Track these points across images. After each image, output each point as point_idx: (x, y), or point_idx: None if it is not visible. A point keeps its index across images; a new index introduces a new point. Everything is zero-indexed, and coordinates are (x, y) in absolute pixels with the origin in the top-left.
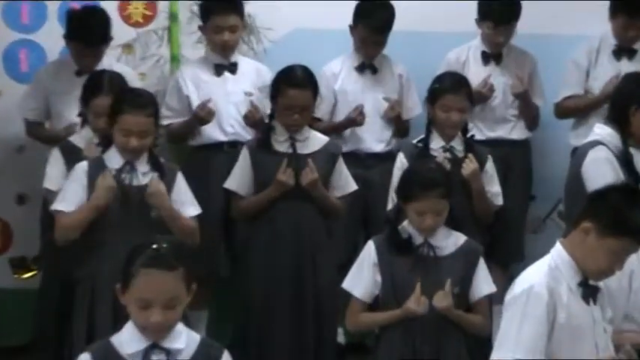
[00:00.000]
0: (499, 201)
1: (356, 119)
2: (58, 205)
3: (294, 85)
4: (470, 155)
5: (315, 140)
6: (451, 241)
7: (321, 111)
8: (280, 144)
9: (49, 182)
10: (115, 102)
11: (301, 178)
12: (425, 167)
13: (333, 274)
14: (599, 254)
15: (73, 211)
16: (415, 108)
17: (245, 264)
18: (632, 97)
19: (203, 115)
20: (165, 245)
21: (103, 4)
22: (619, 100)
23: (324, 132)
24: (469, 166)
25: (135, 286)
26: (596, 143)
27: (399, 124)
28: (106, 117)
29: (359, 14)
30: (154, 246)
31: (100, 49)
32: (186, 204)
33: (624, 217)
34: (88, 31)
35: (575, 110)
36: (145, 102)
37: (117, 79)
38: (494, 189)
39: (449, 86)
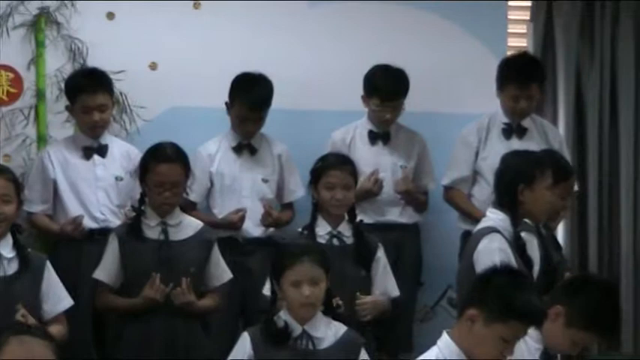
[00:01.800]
0: (395, 292)
1: (236, 222)
2: None
3: (163, 160)
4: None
5: (189, 225)
6: (331, 332)
7: (195, 193)
8: (151, 230)
9: None
10: None
11: (172, 296)
12: None
13: None
14: (487, 342)
15: None
16: (297, 190)
17: None
18: (517, 174)
19: (70, 230)
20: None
21: None
22: (504, 182)
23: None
24: (367, 306)
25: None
26: (490, 230)
27: (409, 200)
28: None
29: (235, 90)
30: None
31: None
32: (57, 297)
33: (509, 300)
34: None
35: (457, 208)
36: (3, 168)
37: None
38: (388, 282)
39: (332, 162)
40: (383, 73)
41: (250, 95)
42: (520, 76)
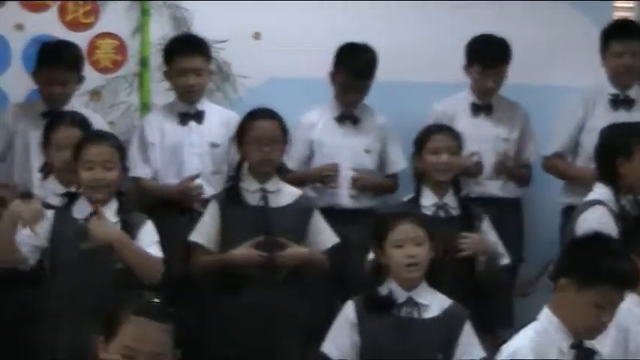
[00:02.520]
0: (505, 260)
1: (325, 177)
2: None
3: (261, 117)
4: (463, 234)
5: (287, 193)
6: (436, 303)
7: (293, 160)
8: (250, 195)
9: None
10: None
11: (277, 259)
12: None
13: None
14: (581, 309)
15: None
16: (400, 162)
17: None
18: (615, 147)
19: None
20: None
21: None
22: (603, 155)
23: (292, 182)
24: (469, 240)
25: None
26: (595, 202)
27: (511, 176)
28: (69, 149)
29: (339, 58)
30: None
31: (69, 81)
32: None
33: (595, 265)
34: (57, 55)
35: (559, 175)
36: (107, 134)
37: (79, 114)
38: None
39: (436, 128)
40: (485, 41)
41: (355, 63)
42: (623, 31)
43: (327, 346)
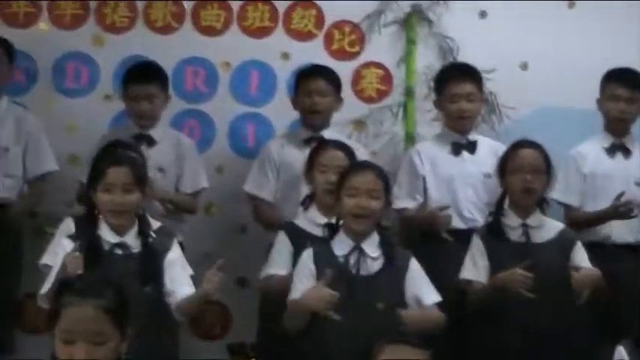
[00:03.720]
0: None
1: (620, 210)
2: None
3: (524, 145)
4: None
5: (550, 227)
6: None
7: (565, 193)
8: (512, 230)
9: (273, 267)
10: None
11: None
12: None
13: None
14: None
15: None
16: None
17: None
18: None
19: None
20: None
21: None
22: None
23: (585, 223)
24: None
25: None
26: None
27: None
28: (333, 171)
29: (607, 76)
30: None
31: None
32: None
33: None
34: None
35: None
36: (373, 164)
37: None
38: None
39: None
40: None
41: (625, 75)
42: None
43: (468, 273)
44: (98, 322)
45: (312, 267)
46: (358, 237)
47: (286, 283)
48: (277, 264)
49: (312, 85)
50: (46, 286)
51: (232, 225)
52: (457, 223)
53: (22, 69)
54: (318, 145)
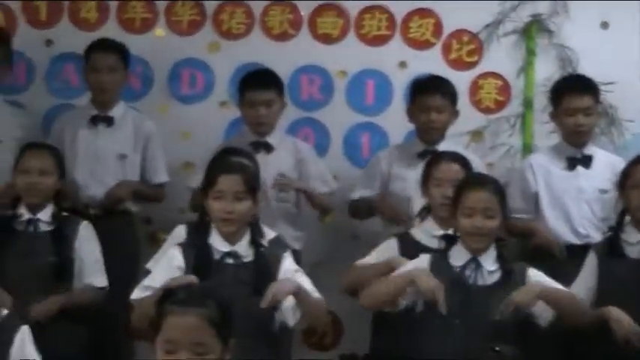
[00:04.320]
0: None
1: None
2: None
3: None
4: None
5: None
6: None
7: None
8: (631, 247)
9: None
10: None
11: None
12: None
13: None
14: None
15: None
16: None
17: None
18: None
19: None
20: None
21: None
22: None
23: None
24: None
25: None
26: None
27: None
28: (449, 185)
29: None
30: None
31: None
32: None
33: None
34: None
35: None
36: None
37: (459, 154)
38: None
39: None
40: None
41: None
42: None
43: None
44: (200, 332)
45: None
46: (476, 250)
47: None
48: (372, 259)
49: (429, 102)
50: (137, 293)
51: (345, 234)
52: (571, 239)
53: (137, 74)
54: (433, 158)
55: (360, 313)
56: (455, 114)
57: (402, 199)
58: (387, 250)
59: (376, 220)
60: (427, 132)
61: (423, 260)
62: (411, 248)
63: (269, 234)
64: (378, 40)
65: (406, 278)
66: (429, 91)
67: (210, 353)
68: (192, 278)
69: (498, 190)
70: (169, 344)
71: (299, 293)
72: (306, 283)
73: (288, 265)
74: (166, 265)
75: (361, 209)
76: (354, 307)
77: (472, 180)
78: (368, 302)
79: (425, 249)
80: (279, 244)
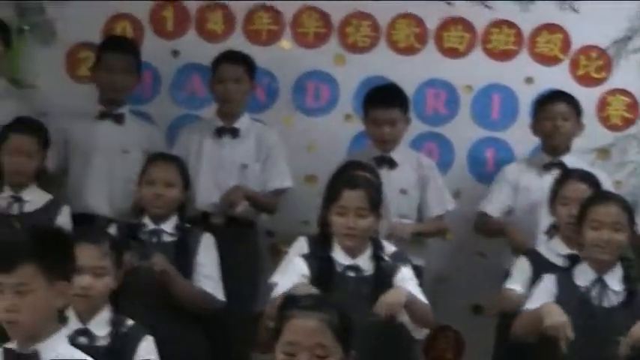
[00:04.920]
0: None
1: None
2: None
3: None
4: None
5: None
6: None
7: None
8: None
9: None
10: None
11: None
12: None
13: None
14: None
15: None
16: None
17: None
18: None
19: None
20: None
21: None
22: None
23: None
24: None
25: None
26: None
27: None
28: (574, 205)
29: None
30: None
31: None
32: None
33: None
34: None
35: None
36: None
37: (590, 172)
38: None
39: None
40: None
41: None
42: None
43: None
44: (321, 335)
45: (555, 291)
46: (601, 269)
47: (522, 301)
48: (517, 282)
49: (555, 108)
50: (271, 304)
51: (469, 250)
52: None
53: (262, 86)
54: (562, 177)
55: (482, 330)
56: (580, 126)
57: (529, 214)
58: (522, 269)
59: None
60: (552, 139)
61: (549, 280)
62: (540, 266)
63: (390, 248)
64: (505, 55)
65: (538, 314)
66: (554, 99)
67: (331, 357)
68: (313, 289)
69: (627, 207)
70: (290, 346)
71: (410, 301)
72: (412, 287)
73: (402, 275)
74: (293, 273)
75: (489, 226)
76: (476, 324)
77: (600, 195)
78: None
79: (553, 267)
80: (399, 258)
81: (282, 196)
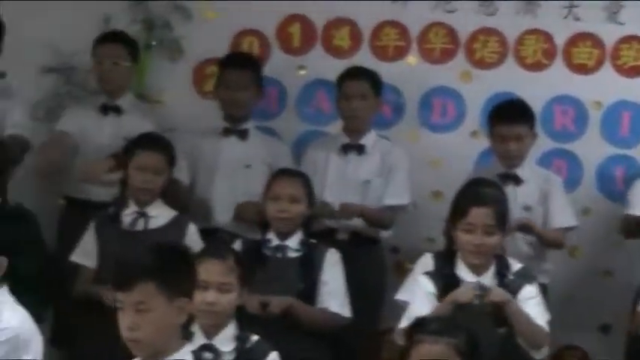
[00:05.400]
0: None
1: None
2: None
3: None
4: None
5: None
6: None
7: None
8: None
9: None
10: None
11: None
12: None
13: None
14: None
15: None
16: None
17: None
18: None
19: None
20: None
21: None
22: None
23: None
24: None
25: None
26: None
27: None
28: None
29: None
30: None
31: None
32: None
33: None
34: None
35: None
36: None
37: None
38: None
39: None
40: None
41: None
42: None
43: None
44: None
45: None
46: None
47: None
48: None
49: None
50: (403, 322)
51: (597, 269)
52: None
53: (389, 102)
54: None
55: (610, 350)
56: None
57: None
58: None
59: (627, 256)
60: None
61: None
62: None
63: (515, 265)
64: (635, 71)
65: None
66: None
67: None
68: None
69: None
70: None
71: (514, 311)
72: (533, 306)
73: (526, 293)
74: (421, 294)
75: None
76: (604, 344)
77: None
78: None
79: None
80: (524, 275)
81: (403, 212)
